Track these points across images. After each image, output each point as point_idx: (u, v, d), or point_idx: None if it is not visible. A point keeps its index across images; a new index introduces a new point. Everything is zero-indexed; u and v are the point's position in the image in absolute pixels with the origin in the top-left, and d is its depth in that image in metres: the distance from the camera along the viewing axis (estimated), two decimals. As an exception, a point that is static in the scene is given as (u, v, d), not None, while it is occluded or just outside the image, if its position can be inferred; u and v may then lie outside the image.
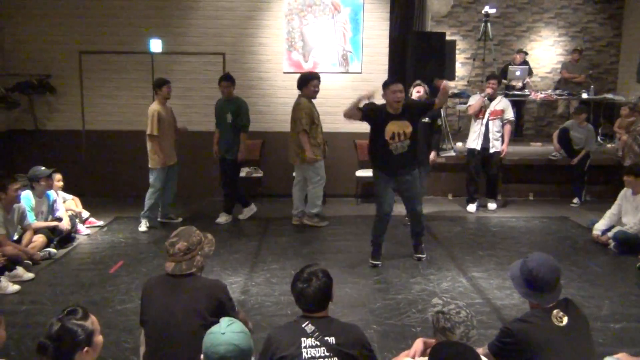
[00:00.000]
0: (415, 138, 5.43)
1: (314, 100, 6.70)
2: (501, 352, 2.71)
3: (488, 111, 7.43)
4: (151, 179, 6.75)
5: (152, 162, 6.69)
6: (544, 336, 2.60)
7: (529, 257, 2.80)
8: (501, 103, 7.51)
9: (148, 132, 6.57)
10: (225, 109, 6.85)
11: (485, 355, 2.78)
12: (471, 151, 7.62)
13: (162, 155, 6.63)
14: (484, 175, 7.74)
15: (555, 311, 2.66)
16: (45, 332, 2.15)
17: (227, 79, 6.88)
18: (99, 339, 2.27)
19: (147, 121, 6.59)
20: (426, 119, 6.58)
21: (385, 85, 5.42)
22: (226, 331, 2.19)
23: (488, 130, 7.45)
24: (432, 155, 6.74)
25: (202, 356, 2.24)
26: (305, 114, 6.53)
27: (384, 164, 5.42)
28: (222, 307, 2.90)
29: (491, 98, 7.44)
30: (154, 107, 6.63)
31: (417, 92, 6.55)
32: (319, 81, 6.68)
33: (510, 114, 7.54)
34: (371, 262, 5.55)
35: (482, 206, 7.79)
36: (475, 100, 7.55)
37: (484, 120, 7.45)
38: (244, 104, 6.95)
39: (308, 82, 6.60)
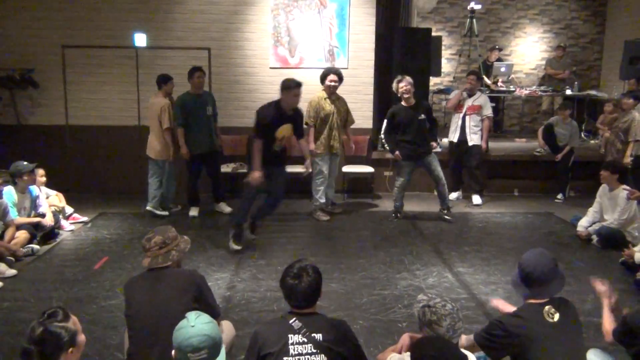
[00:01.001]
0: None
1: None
2: (489, 343, 2.72)
3: (466, 105, 7.60)
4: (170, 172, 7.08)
5: (167, 153, 6.92)
6: (534, 331, 2.62)
7: (525, 253, 2.88)
8: (480, 99, 7.66)
9: (166, 125, 6.74)
10: (203, 101, 6.85)
11: (468, 346, 2.80)
12: (450, 143, 7.89)
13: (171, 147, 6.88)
14: (466, 169, 7.88)
15: (547, 307, 2.70)
16: (27, 336, 2.12)
17: (202, 70, 6.90)
18: (81, 338, 2.26)
19: (148, 115, 6.96)
20: (422, 116, 6.66)
21: (291, 87, 5.64)
22: (195, 323, 2.23)
23: (465, 124, 7.62)
24: (434, 144, 6.90)
25: (173, 352, 2.24)
26: (311, 107, 6.78)
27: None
28: (201, 293, 2.95)
29: (470, 94, 7.61)
30: (164, 101, 6.80)
31: (405, 85, 6.57)
32: (336, 75, 6.79)
33: (488, 111, 7.68)
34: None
35: (465, 198, 7.99)
36: (453, 95, 7.76)
37: (462, 114, 7.62)
38: None
39: (325, 76, 6.79)
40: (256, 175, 5.53)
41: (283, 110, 5.67)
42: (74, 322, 2.21)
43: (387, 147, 6.89)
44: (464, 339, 2.81)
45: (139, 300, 2.90)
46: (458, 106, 7.68)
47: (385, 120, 6.80)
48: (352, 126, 7.34)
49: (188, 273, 3.06)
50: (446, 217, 6.95)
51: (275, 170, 5.78)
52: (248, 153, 6.04)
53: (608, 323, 2.98)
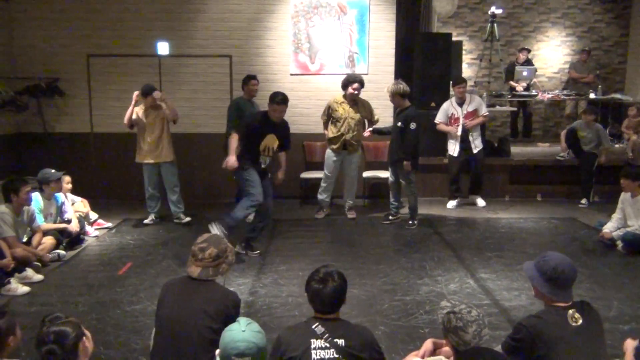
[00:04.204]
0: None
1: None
2: (514, 349, 2.70)
3: (461, 116, 7.48)
4: None
5: None
6: (557, 334, 2.60)
7: (546, 256, 2.82)
8: (473, 104, 7.54)
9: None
10: (254, 109, 6.98)
11: None
12: (452, 158, 7.73)
13: (139, 151, 7.00)
14: (468, 175, 7.90)
15: (571, 311, 2.67)
16: (42, 340, 2.23)
17: (256, 78, 7.11)
18: (86, 332, 2.37)
19: None
20: (399, 123, 6.67)
21: (273, 101, 5.63)
22: (246, 329, 2.28)
23: (466, 134, 7.55)
24: (405, 164, 6.66)
25: (217, 351, 2.29)
26: (326, 106, 7.12)
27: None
28: (229, 319, 2.91)
29: (460, 103, 7.50)
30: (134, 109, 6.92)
31: (389, 94, 6.67)
32: (359, 83, 6.91)
33: (484, 110, 7.61)
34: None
35: (471, 204, 7.95)
36: (441, 115, 7.61)
37: (460, 127, 7.51)
38: None
39: (348, 84, 6.93)
40: (232, 159, 5.48)
41: (269, 119, 5.70)
42: (73, 321, 2.33)
43: None
44: None
45: (171, 304, 2.91)
46: (454, 120, 7.54)
47: None
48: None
49: (227, 294, 3.00)
50: (385, 221, 7.11)
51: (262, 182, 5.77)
52: (225, 146, 6.14)
53: None
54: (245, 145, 5.69)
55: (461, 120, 7.50)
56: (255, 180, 5.66)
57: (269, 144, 5.71)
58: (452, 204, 7.86)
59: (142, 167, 7.03)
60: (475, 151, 7.59)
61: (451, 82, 7.84)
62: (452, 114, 7.55)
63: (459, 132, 7.51)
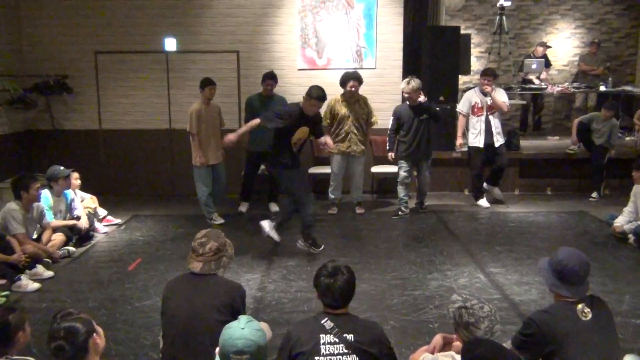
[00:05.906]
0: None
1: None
2: (524, 345, 2.68)
3: (485, 106, 7.27)
4: (194, 176, 6.84)
5: (193, 159, 6.77)
6: (567, 329, 2.57)
7: (558, 250, 2.80)
8: (497, 95, 7.26)
9: (187, 129, 6.69)
10: (269, 104, 6.84)
11: None
12: (476, 149, 7.38)
13: (200, 154, 6.65)
14: (495, 170, 7.60)
15: (580, 305, 2.64)
16: (52, 337, 2.23)
17: (273, 78, 7.07)
18: (98, 328, 2.37)
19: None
20: (424, 116, 6.76)
21: (311, 97, 5.48)
22: (246, 327, 2.26)
23: (490, 126, 7.28)
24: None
25: (217, 350, 2.29)
26: (327, 109, 6.93)
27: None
28: (237, 311, 2.94)
29: (485, 93, 7.24)
30: (194, 106, 6.70)
31: (406, 91, 6.69)
32: (356, 80, 6.87)
33: (505, 99, 7.36)
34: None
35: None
36: (464, 104, 7.41)
37: (484, 117, 7.28)
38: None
39: (345, 82, 6.87)
40: (230, 136, 5.55)
41: (304, 113, 5.58)
42: (84, 318, 2.33)
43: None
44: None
45: (177, 302, 2.92)
46: (477, 109, 7.30)
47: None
48: (381, 127, 7.32)
49: (233, 287, 3.03)
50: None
51: (295, 172, 5.68)
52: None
53: None
54: (279, 139, 5.58)
55: (485, 111, 7.27)
56: (296, 178, 5.66)
57: (301, 136, 5.57)
58: (484, 202, 7.54)
59: (192, 169, 6.81)
60: (497, 144, 7.30)
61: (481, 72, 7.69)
62: (476, 102, 7.28)
63: (483, 124, 7.27)
